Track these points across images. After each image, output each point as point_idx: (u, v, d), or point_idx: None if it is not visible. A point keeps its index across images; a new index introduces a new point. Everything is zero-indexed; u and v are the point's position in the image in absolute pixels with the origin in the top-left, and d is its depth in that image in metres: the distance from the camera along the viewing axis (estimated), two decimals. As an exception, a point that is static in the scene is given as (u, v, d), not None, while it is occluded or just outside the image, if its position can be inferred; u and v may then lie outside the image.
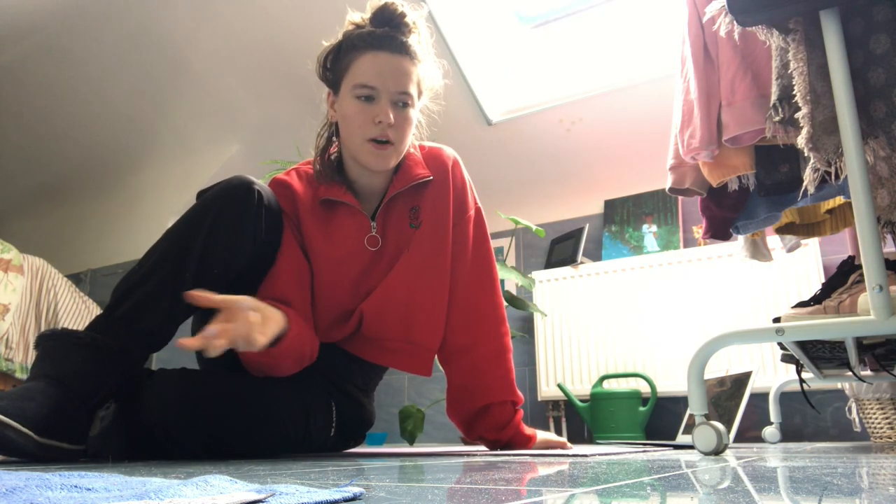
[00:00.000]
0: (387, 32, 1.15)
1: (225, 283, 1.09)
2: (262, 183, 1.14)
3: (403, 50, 1.16)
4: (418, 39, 1.19)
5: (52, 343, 0.97)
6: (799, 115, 1.01)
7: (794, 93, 1.03)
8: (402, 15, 1.17)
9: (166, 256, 1.06)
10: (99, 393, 0.98)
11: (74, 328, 1.01)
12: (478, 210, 1.31)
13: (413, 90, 1.17)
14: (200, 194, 1.13)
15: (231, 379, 1.14)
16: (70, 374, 0.94)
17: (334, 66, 1.20)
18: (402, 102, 1.16)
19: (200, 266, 1.05)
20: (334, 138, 1.26)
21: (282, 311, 1.06)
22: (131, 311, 1.02)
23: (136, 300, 1.02)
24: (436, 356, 1.30)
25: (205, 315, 1.21)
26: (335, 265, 1.20)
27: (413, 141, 1.27)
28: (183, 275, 1.04)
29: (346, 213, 1.22)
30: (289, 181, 1.23)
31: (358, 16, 1.19)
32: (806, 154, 1.01)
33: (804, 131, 1.00)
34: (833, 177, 1.01)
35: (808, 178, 1.02)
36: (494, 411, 1.24)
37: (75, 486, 0.45)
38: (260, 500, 0.39)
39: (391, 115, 1.13)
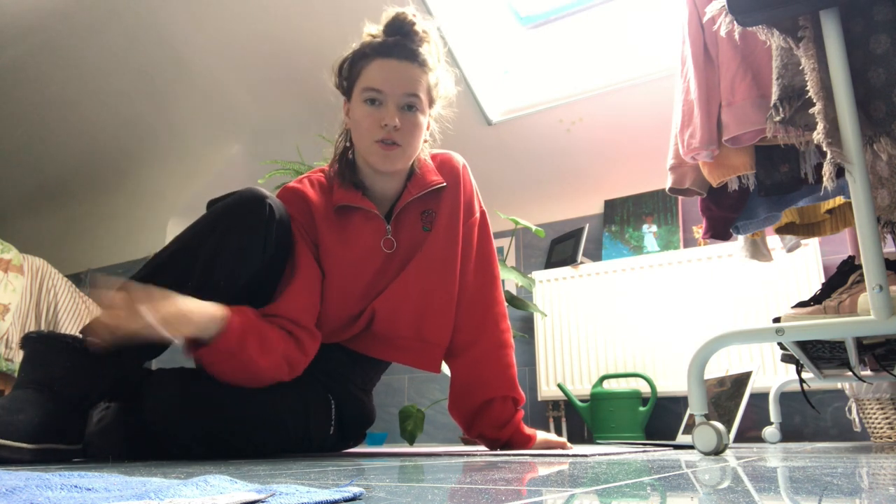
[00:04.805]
0: (397, 41, 1.18)
1: (230, 294, 1.08)
2: (274, 197, 1.14)
3: (412, 57, 1.18)
4: (429, 48, 1.21)
5: (40, 346, 0.96)
6: (813, 110, 1.01)
7: (806, 89, 1.02)
8: (412, 24, 1.20)
9: (170, 265, 1.05)
10: (90, 396, 0.98)
11: (74, 328, 1.01)
12: (482, 213, 1.35)
13: (422, 95, 1.19)
14: (211, 204, 1.13)
15: None
16: (59, 379, 0.94)
17: (348, 74, 1.23)
18: (408, 106, 1.18)
19: (204, 277, 1.05)
20: (349, 144, 1.27)
21: (223, 309, 1.02)
22: None
23: None
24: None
25: None
26: (349, 268, 1.21)
27: (426, 148, 1.29)
28: (185, 284, 1.03)
29: (363, 217, 1.23)
30: (303, 190, 1.23)
31: (374, 28, 1.22)
32: (824, 149, 1.01)
33: (819, 127, 1.00)
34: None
35: (827, 173, 1.01)
36: (495, 407, 1.25)
37: (75, 486, 0.45)
38: (260, 500, 0.39)
39: (397, 119, 1.15)
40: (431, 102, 1.24)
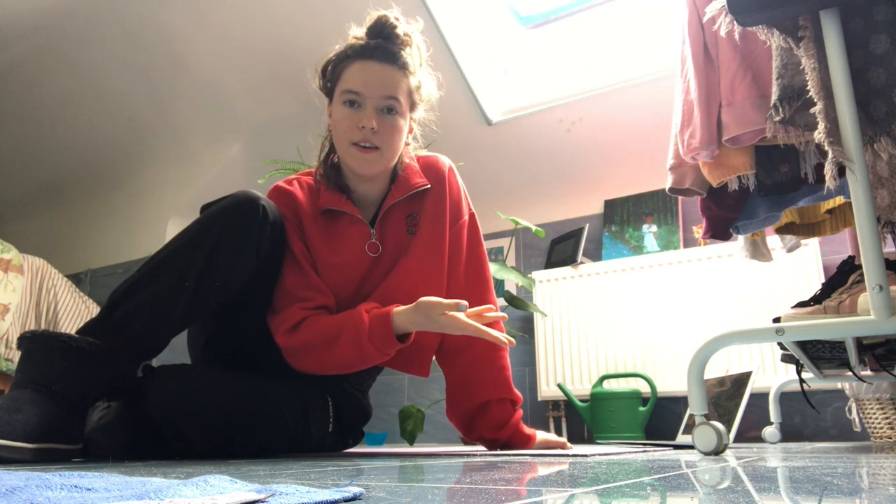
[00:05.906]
0: (378, 44, 1.19)
1: (224, 296, 1.10)
2: (266, 199, 1.15)
3: (392, 60, 1.18)
4: (411, 52, 1.22)
5: (35, 346, 0.96)
6: (814, 110, 1.01)
7: (806, 89, 1.02)
8: (393, 27, 1.20)
9: (167, 268, 1.06)
10: (88, 395, 0.98)
11: (74, 328, 1.02)
12: (471, 215, 1.34)
13: (401, 98, 1.19)
14: (205, 208, 1.13)
15: (232, 374, 1.15)
16: (56, 378, 0.94)
17: (331, 76, 1.23)
18: (387, 109, 1.18)
19: (201, 280, 1.05)
20: (331, 146, 1.27)
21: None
22: (125, 317, 1.02)
23: (132, 307, 1.03)
24: (434, 358, 1.31)
25: (200, 328, 1.22)
26: (338, 272, 1.21)
27: (409, 151, 1.29)
28: (182, 286, 1.04)
29: (347, 221, 1.23)
30: (292, 190, 1.24)
31: (358, 30, 1.22)
32: (826, 148, 1.01)
33: (821, 127, 1.00)
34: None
35: (829, 172, 1.01)
36: (493, 409, 1.25)
37: (75, 486, 0.45)
38: (260, 500, 0.39)
39: (374, 122, 1.16)
40: (413, 106, 1.24)
